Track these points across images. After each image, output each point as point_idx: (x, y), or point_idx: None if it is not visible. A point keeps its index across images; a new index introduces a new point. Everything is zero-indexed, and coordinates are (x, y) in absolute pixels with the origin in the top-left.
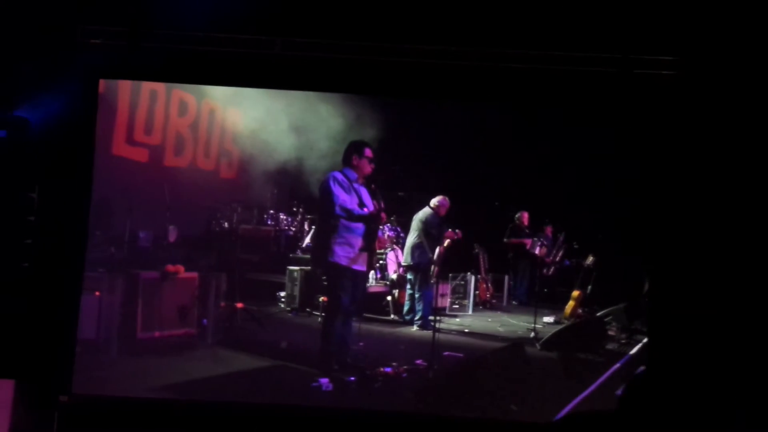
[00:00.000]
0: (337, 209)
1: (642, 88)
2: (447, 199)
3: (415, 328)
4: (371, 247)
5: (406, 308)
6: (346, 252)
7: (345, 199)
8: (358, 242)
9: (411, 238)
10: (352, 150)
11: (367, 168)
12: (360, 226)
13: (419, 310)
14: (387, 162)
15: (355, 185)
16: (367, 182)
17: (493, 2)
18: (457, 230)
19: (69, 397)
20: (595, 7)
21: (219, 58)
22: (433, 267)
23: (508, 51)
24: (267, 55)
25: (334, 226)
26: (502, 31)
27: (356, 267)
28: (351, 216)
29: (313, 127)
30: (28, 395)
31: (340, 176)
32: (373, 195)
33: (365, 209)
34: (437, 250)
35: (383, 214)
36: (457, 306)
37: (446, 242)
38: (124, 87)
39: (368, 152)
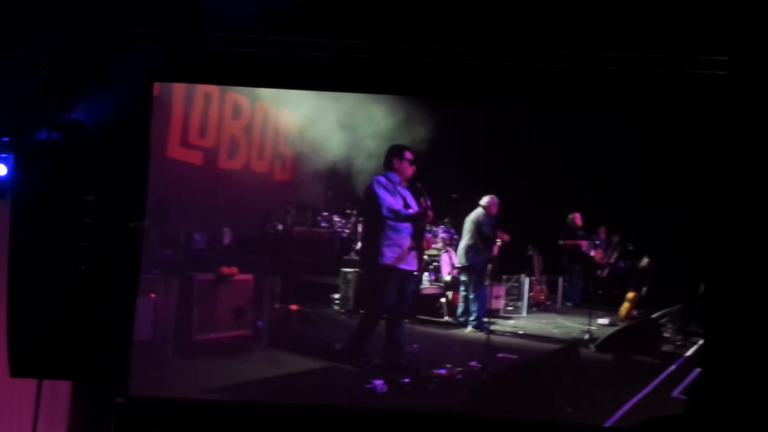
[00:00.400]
0: (385, 211)
1: (695, 88)
2: (496, 197)
3: (469, 328)
4: (419, 246)
5: (460, 310)
6: (395, 253)
7: (391, 201)
8: (407, 242)
9: (464, 240)
10: (393, 154)
11: (409, 170)
12: (407, 227)
13: (474, 311)
14: (439, 163)
15: (399, 188)
16: (412, 181)
17: (552, 3)
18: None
19: (125, 398)
20: (648, 7)
21: (272, 60)
22: (489, 266)
23: (559, 52)
24: (320, 57)
25: (381, 228)
26: (558, 33)
27: (405, 267)
28: (398, 217)
29: (366, 128)
30: (84, 397)
31: (383, 180)
32: (418, 194)
33: (410, 210)
34: (494, 249)
35: (430, 213)
36: (511, 308)
37: (499, 242)
38: (179, 90)
39: (408, 155)
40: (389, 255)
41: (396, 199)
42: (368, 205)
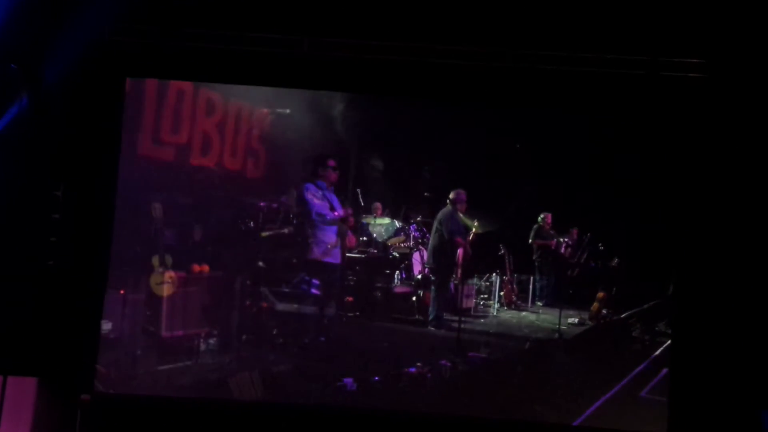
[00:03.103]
0: (314, 215)
1: (669, 90)
2: (463, 191)
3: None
4: (343, 243)
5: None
6: (321, 248)
7: (319, 206)
8: (332, 240)
9: (432, 240)
10: (316, 164)
11: (333, 176)
12: (333, 228)
13: (432, 311)
14: (413, 163)
15: (326, 193)
16: (339, 185)
17: (519, 4)
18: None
19: (91, 395)
20: (622, 10)
21: (247, 57)
22: (455, 269)
23: (536, 53)
24: (295, 54)
25: (310, 228)
26: (528, 34)
27: (330, 260)
28: (325, 220)
29: (339, 127)
30: (50, 394)
31: (312, 187)
32: (342, 200)
33: (336, 213)
34: (458, 251)
35: (351, 219)
36: (482, 307)
37: (459, 252)
38: (151, 86)
39: (331, 163)
40: (316, 251)
41: (323, 203)
42: (299, 209)
